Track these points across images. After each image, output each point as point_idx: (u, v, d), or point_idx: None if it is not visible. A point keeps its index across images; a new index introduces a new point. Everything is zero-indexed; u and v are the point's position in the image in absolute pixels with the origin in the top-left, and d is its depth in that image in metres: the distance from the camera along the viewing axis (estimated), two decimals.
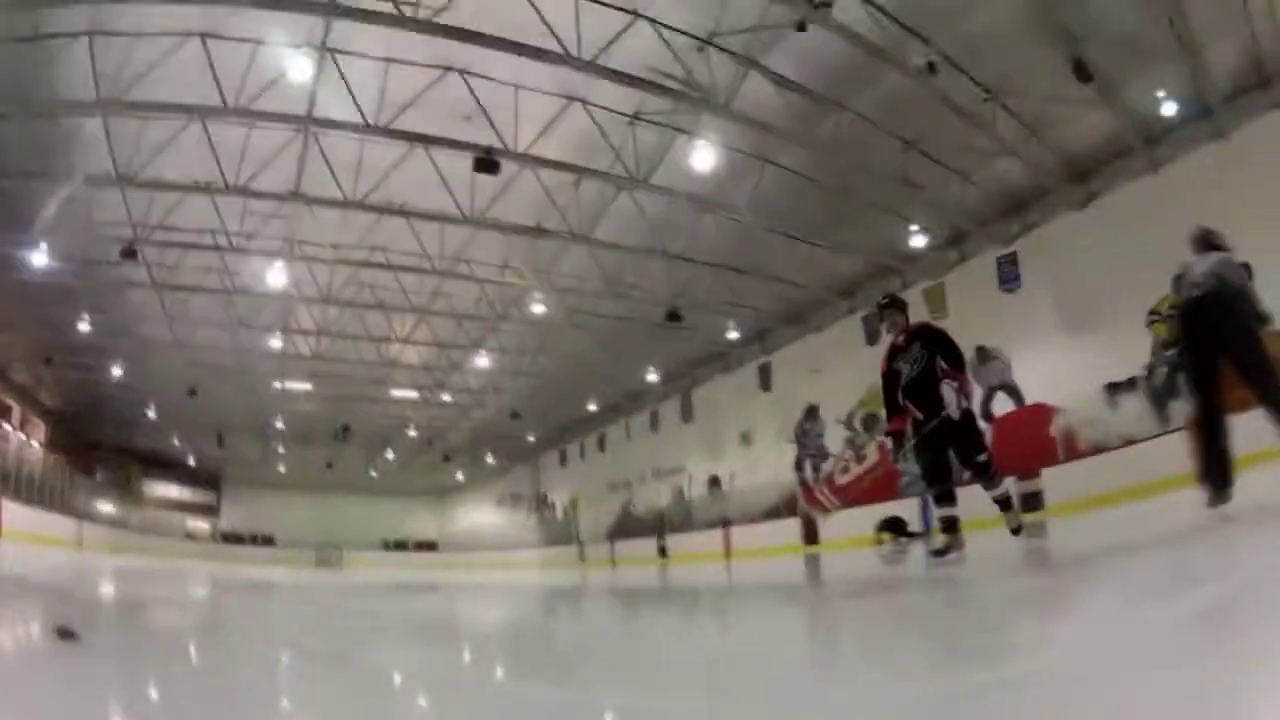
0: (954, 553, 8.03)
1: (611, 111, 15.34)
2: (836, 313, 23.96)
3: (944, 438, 7.91)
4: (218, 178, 16.11)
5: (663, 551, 28.85)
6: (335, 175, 16.27)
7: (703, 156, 15.56)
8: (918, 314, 20.34)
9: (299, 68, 13.77)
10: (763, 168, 16.68)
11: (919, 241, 19.75)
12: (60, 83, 14.06)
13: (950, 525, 8.18)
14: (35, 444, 32.52)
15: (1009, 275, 19.11)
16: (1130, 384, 16.48)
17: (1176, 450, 13.68)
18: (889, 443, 8.86)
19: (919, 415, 7.97)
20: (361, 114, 14.40)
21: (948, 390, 7.90)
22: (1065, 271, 18.03)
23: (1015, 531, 8.36)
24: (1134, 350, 16.33)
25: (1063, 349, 18.02)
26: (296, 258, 19.76)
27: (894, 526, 18.07)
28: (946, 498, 8.20)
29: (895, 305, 8.65)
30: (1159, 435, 14.75)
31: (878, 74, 13.86)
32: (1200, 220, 13.46)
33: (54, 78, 13.98)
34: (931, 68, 13.05)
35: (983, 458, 8.02)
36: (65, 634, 3.36)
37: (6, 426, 30.32)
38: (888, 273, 21.76)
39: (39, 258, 19.04)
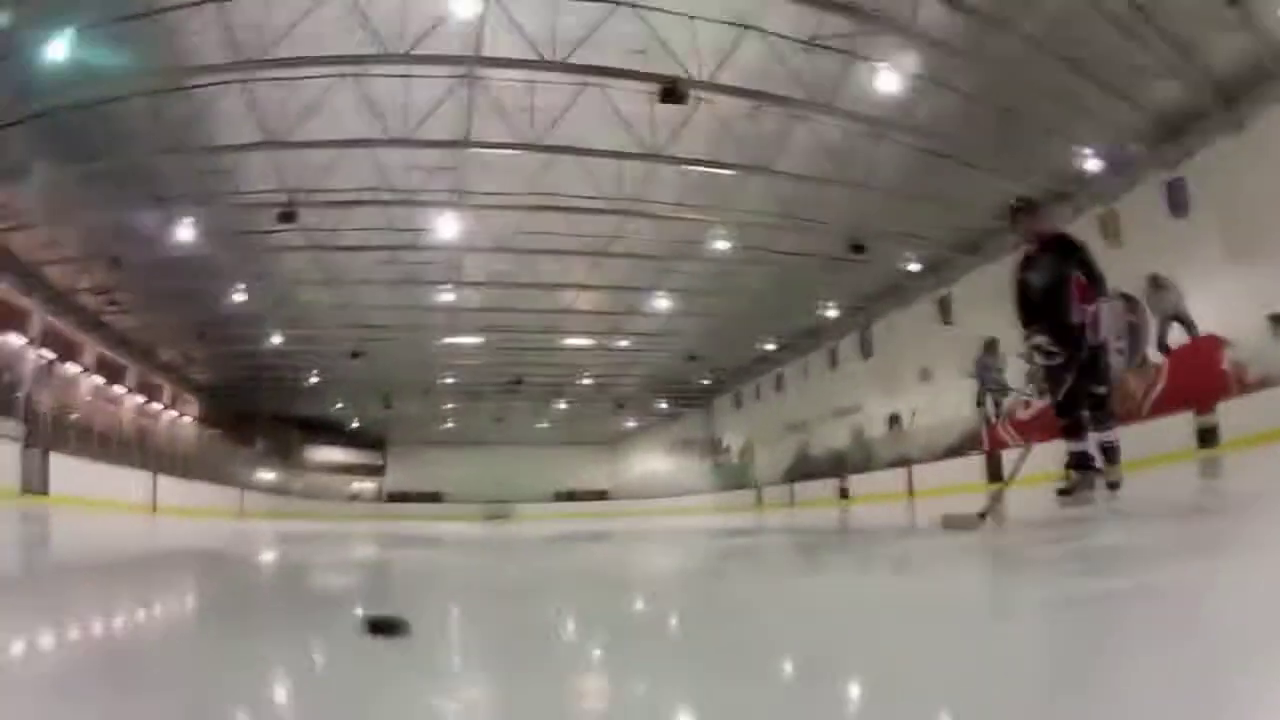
0: (1083, 493, 7.45)
1: (786, 38, 15.32)
2: (1011, 241, 22.95)
3: (1073, 366, 7.16)
4: (376, 133, 16.50)
5: (844, 493, 28.62)
6: (506, 119, 16.60)
7: (886, 79, 15.66)
8: (1093, 240, 19.78)
9: (466, 5, 13.90)
10: (936, 91, 16.54)
11: (1092, 165, 19.10)
12: (191, 53, 14.64)
13: (1080, 461, 7.56)
14: (187, 419, 34.36)
15: (1179, 200, 18.34)
16: None
17: None
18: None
19: (1043, 339, 7.19)
20: (535, 49, 14.61)
21: (1080, 312, 7.04)
22: (1229, 197, 17.40)
23: (1112, 486, 7.57)
24: None
25: (1231, 279, 17.53)
26: (466, 206, 20.12)
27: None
28: (1075, 430, 7.50)
29: (1028, 209, 7.72)
30: None
31: None
32: None
33: (182, 49, 14.57)
34: None
35: (1102, 389, 7.41)
36: (382, 627, 2.35)
37: (156, 405, 32.16)
38: (1060, 198, 20.92)
39: (185, 231, 19.85)
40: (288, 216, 18.74)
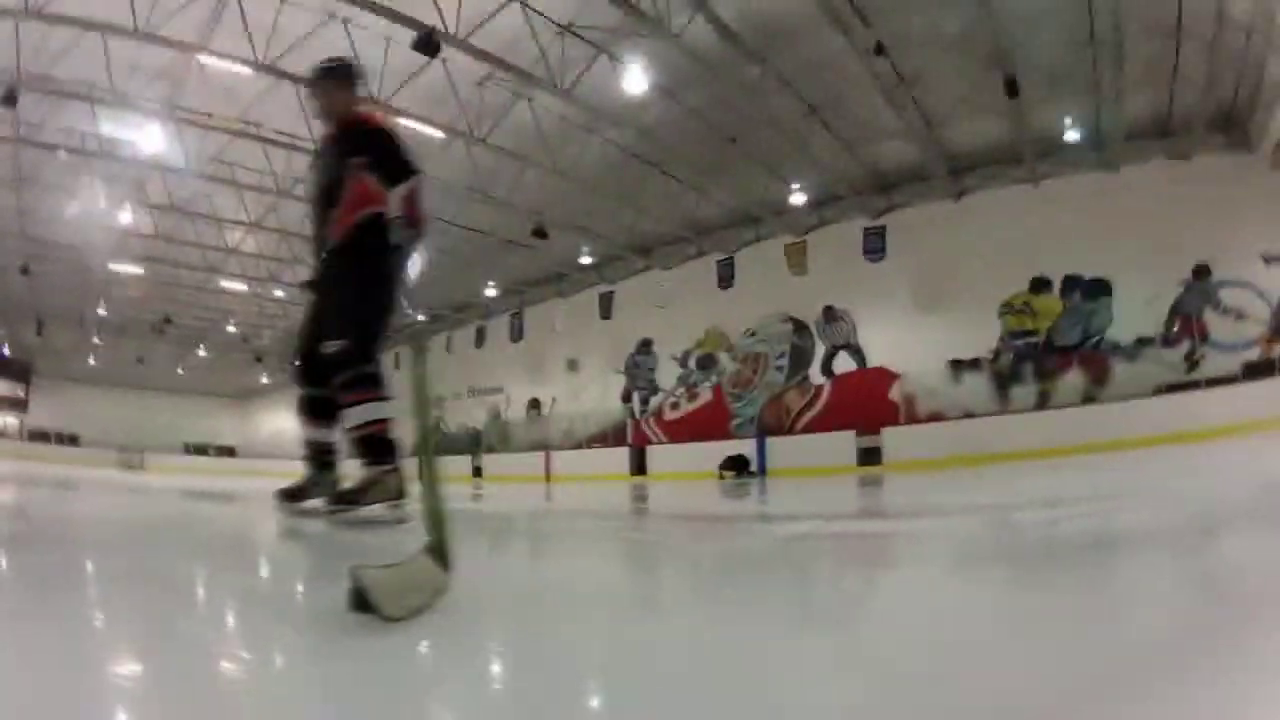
0: (312, 494, 4.76)
1: (546, 18, 15.49)
2: (689, 251, 24.69)
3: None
4: (117, 19, 14.88)
5: (477, 471, 29.03)
6: (246, 34, 15.48)
7: (632, 78, 16.11)
8: (777, 267, 21.94)
9: None
10: (667, 100, 17.35)
11: (798, 199, 20.86)
12: None
13: (319, 453, 4.82)
14: None
15: (874, 246, 20.64)
16: (975, 363, 18.41)
17: (1011, 428, 15.93)
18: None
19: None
20: None
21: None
22: (927, 253, 20.08)
23: (344, 500, 4.56)
24: (981, 334, 18.94)
25: (914, 323, 20.12)
26: (175, 120, 18.63)
27: (736, 465, 19.47)
28: (311, 408, 4.82)
29: (337, 73, 4.98)
30: (997, 414, 17.13)
31: (805, 40, 15.04)
32: (1071, 236, 15.98)
33: None
34: (879, 49, 14.38)
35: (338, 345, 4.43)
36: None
37: None
38: (750, 221, 22.99)
39: None
40: (9, 99, 16.53)
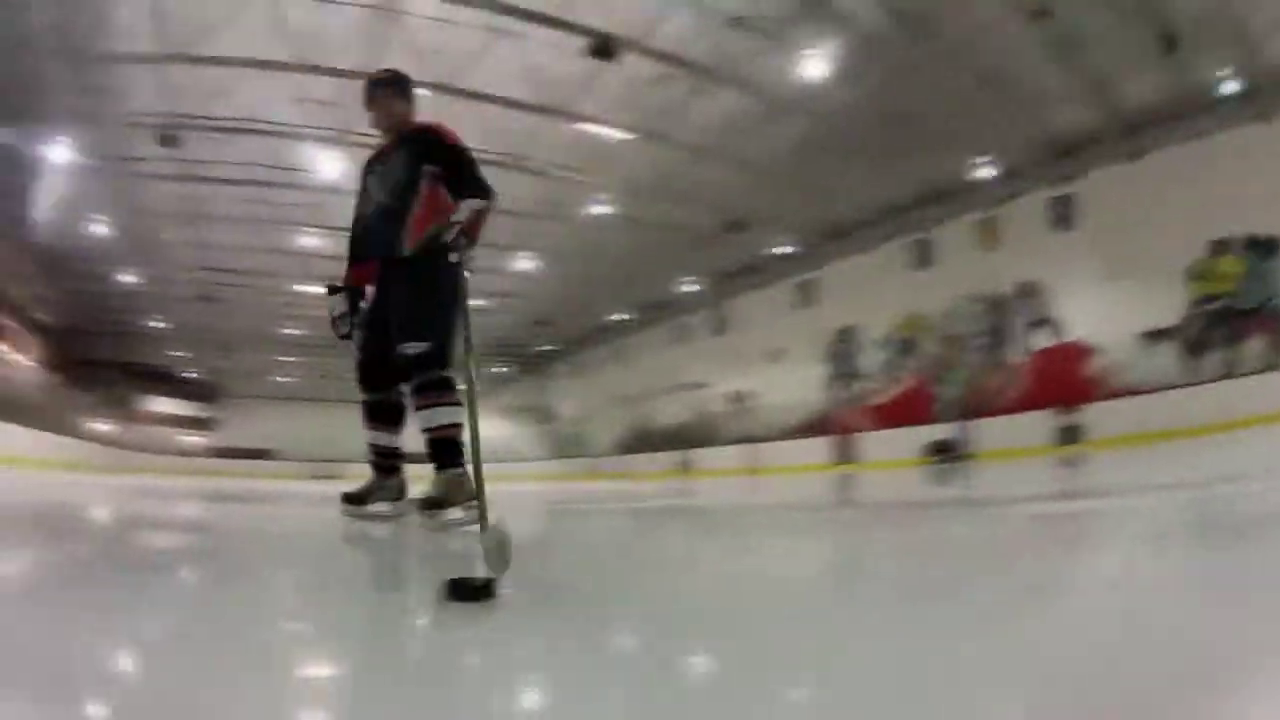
0: (383, 501, 5.08)
1: (716, 11, 15.32)
2: (884, 234, 23.86)
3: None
4: (283, 57, 15.72)
5: (683, 466, 28.95)
6: (417, 58, 15.73)
7: (810, 64, 16.05)
8: (970, 246, 20.89)
9: None
10: (843, 83, 16.88)
11: (984, 173, 20.41)
12: None
13: (383, 458, 5.13)
14: (27, 361, 32.10)
15: (1061, 214, 19.80)
16: (1165, 333, 17.65)
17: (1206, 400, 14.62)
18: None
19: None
20: None
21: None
22: (1112, 218, 18.88)
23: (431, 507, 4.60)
24: (1170, 300, 17.63)
25: (1104, 293, 18.91)
26: (350, 144, 18.99)
27: (941, 449, 18.67)
28: (381, 416, 5.16)
29: (393, 83, 5.22)
30: (1191, 385, 16.28)
31: (972, 8, 14.59)
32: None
33: None
34: (1043, 12, 14.10)
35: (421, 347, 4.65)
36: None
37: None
38: (939, 200, 22.33)
39: (60, 152, 18.29)
40: (169, 140, 17.47)
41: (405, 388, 4.91)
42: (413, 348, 4.64)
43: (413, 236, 4.72)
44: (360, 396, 5.16)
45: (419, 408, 4.80)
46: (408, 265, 4.71)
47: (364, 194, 4.99)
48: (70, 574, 2.89)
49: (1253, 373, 15.82)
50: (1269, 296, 16.57)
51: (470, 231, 4.34)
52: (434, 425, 4.73)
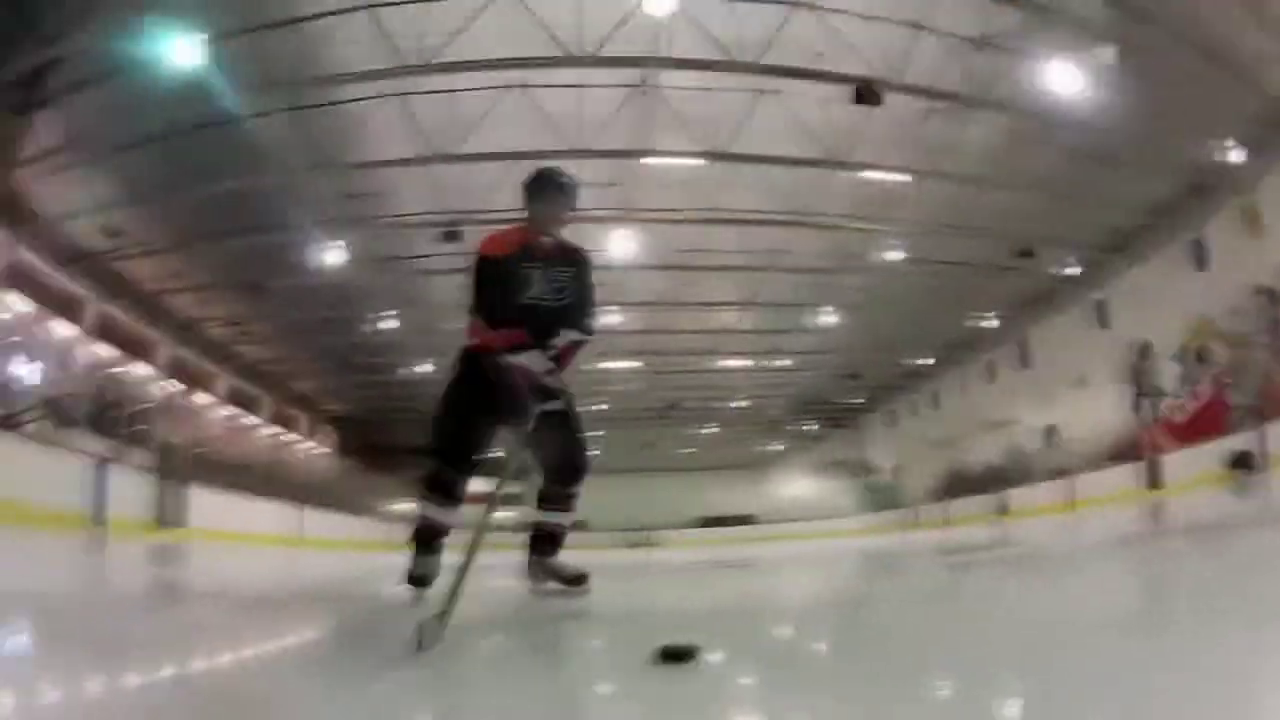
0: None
1: (959, 37, 15.23)
2: (1160, 238, 22.14)
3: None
4: (546, 145, 15.97)
5: (1002, 508, 27.78)
6: (684, 128, 16.50)
7: (1061, 73, 15.36)
8: (1235, 233, 19.59)
9: (659, 3, 13.72)
10: (1093, 87, 15.85)
11: (1235, 156, 18.36)
12: (339, 62, 14.56)
13: (436, 536, 5.30)
14: (324, 450, 34.73)
15: None
16: None
17: None
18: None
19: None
20: (721, 49, 14.49)
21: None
22: None
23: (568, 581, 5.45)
24: None
25: None
26: (633, 220, 19.92)
27: (1241, 462, 17.08)
28: (454, 495, 5.32)
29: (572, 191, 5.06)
30: None
31: None
32: None
33: (329, 58, 14.50)
34: None
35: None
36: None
37: (293, 435, 32.57)
38: (1204, 191, 20.36)
39: (332, 255, 19.46)
40: (452, 236, 18.19)
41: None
42: (583, 459, 5.50)
43: (569, 355, 4.88)
44: (435, 470, 5.26)
45: (567, 506, 5.72)
46: (565, 390, 4.97)
47: (523, 281, 4.79)
48: None
49: None
50: None
51: (565, 359, 4.74)
52: (566, 524, 5.76)
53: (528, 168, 14.49)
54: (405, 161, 17.21)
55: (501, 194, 17.93)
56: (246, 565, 12.43)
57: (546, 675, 2.69)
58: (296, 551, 19.17)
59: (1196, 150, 18.40)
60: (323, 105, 16.04)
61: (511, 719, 1.99)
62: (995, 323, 29.51)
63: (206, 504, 17.83)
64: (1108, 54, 14.91)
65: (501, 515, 4.54)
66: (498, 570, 5.82)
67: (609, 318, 25.26)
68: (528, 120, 16.00)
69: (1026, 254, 21.18)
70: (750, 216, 19.93)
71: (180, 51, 12.85)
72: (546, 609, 4.97)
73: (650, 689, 2.20)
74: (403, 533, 6.84)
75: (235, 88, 14.17)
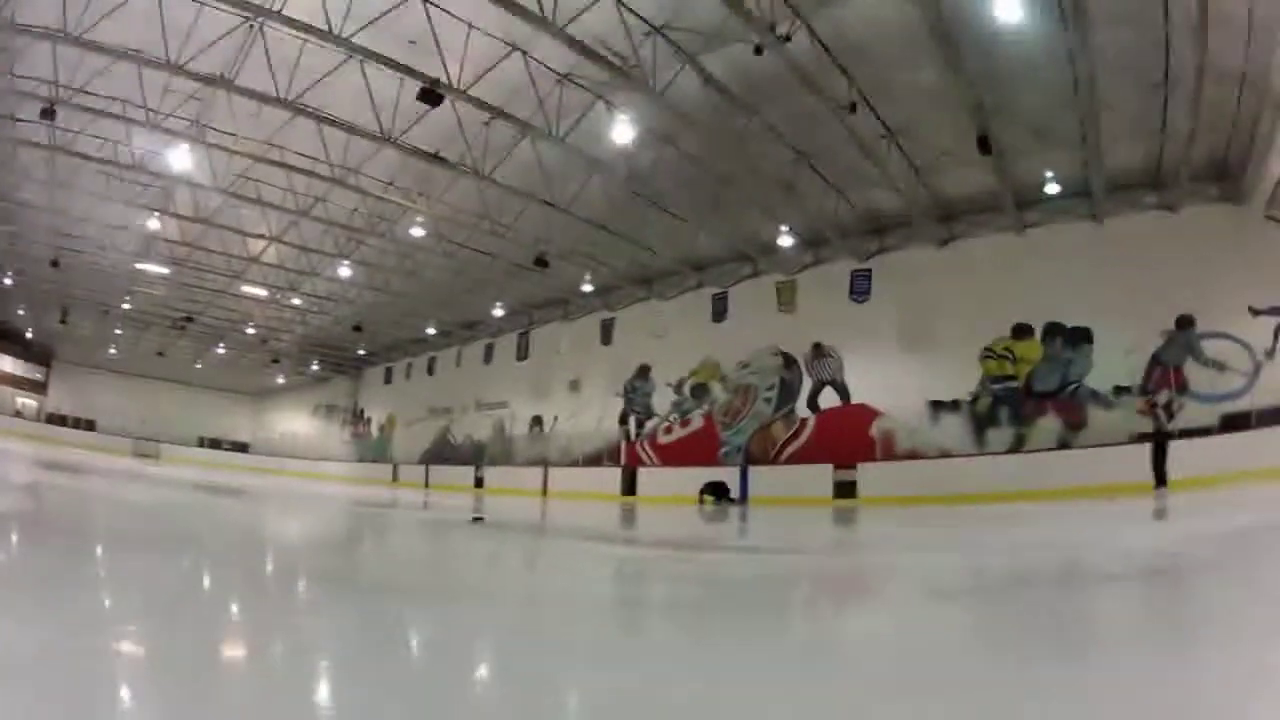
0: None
1: (545, 67, 15.68)
2: (686, 284, 24.51)
3: None
4: (152, 47, 15.22)
5: (479, 482, 29.12)
6: (273, 69, 15.72)
7: (623, 131, 16.24)
8: (768, 305, 21.79)
9: None
10: (661, 145, 17.33)
11: (786, 241, 20.62)
12: None
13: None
14: None
15: (861, 287, 20.39)
16: (954, 405, 18.29)
17: (985, 469, 15.79)
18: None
19: None
20: (328, 19, 14.04)
21: None
22: (912, 296, 19.76)
23: None
24: (962, 376, 18.64)
25: (897, 363, 19.83)
26: (203, 142, 19.01)
27: (716, 491, 19.49)
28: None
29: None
30: (973, 455, 16.76)
31: (794, 93, 14.65)
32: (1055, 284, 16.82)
33: None
34: (853, 108, 14.45)
35: None
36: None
37: None
38: (744, 259, 22.93)
39: None
40: (49, 113, 17.09)
41: None
42: None
43: None
44: None
45: None
46: None
47: None
48: None
49: (1043, 449, 17.05)
50: (1065, 382, 17.61)
51: None
52: None
53: (119, 67, 12.91)
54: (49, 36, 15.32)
55: (100, 80, 17.01)
56: None
57: None
58: None
59: (751, 224, 20.55)
60: None
61: None
62: (502, 312, 30.62)
63: None
64: (663, 126, 16.37)
65: None
66: None
67: (151, 222, 24.17)
68: (148, 22, 14.64)
69: (541, 263, 22.32)
70: (301, 164, 19.75)
71: None
72: None
73: None
74: None
75: None
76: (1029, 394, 17.98)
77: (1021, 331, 18.14)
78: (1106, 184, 16.77)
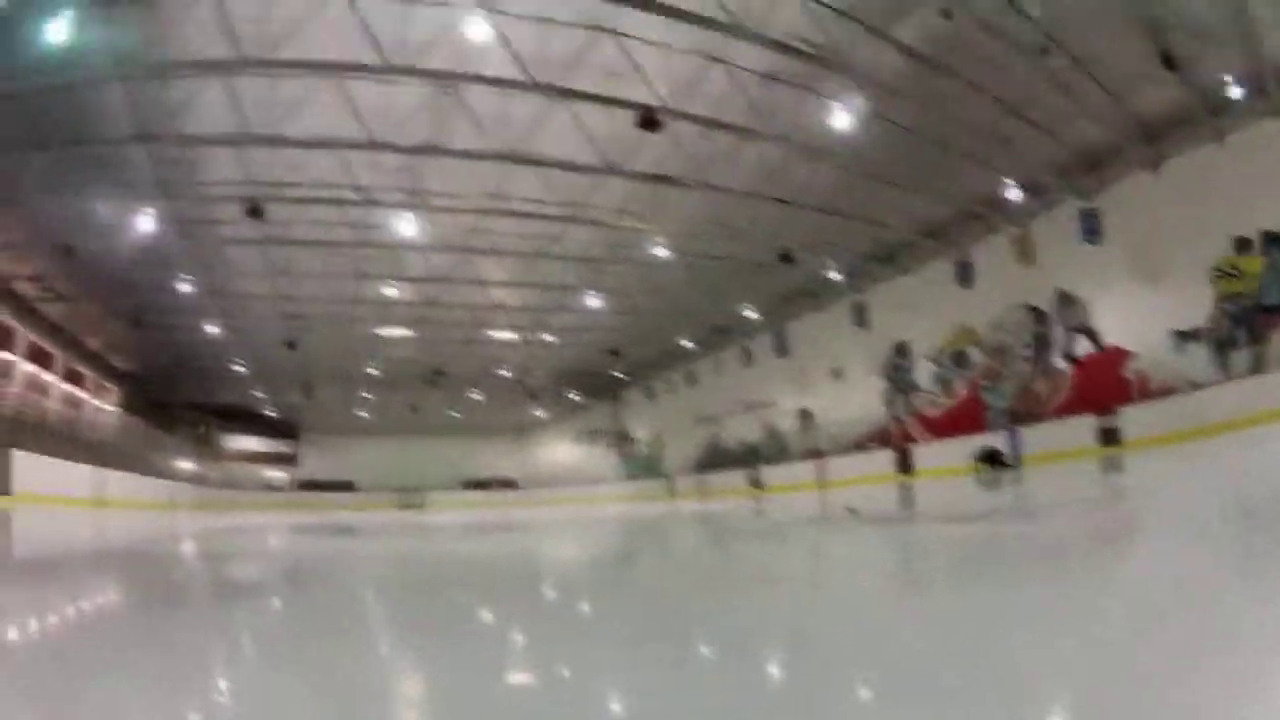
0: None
1: (748, 70, 16.09)
2: (927, 254, 24.27)
3: None
4: (349, 133, 16.29)
5: (756, 483, 29.43)
6: (478, 127, 16.68)
7: (839, 117, 16.35)
8: (1008, 261, 21.90)
9: (477, 28, 14.30)
10: (876, 124, 17.29)
11: (1012, 194, 20.16)
12: (182, 43, 14.23)
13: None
14: (108, 407, 32.95)
15: (1090, 227, 19.73)
16: (1195, 333, 17.57)
17: (1231, 396, 14.76)
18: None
19: None
20: (524, 69, 14.82)
21: None
22: (1139, 227, 18.91)
23: None
24: (1198, 301, 17.61)
25: (1136, 299, 19.06)
26: (423, 207, 20.15)
27: (990, 458, 19.10)
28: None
29: None
30: (1220, 382, 16.48)
31: (985, 46, 14.83)
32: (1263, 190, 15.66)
33: (174, 38, 14.16)
34: (1045, 50, 14.49)
35: None
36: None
37: (81, 393, 30.83)
38: (976, 219, 22.53)
39: (146, 222, 19.03)
40: (255, 211, 18.18)
41: None
42: None
43: None
44: None
45: None
46: None
47: None
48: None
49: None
50: None
51: None
52: None
53: (318, 155, 14.13)
54: (220, 139, 16.81)
55: (300, 172, 18.44)
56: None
57: None
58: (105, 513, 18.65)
59: (975, 184, 20.31)
60: (153, 80, 15.35)
61: None
62: (754, 314, 30.83)
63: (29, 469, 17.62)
64: (872, 104, 16.33)
65: None
66: None
67: (387, 290, 26.05)
68: (337, 109, 15.93)
69: (787, 258, 22.45)
70: (529, 209, 20.60)
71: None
72: None
73: None
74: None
75: (72, 55, 13.31)
76: (1260, 309, 16.68)
77: (1243, 245, 16.89)
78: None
